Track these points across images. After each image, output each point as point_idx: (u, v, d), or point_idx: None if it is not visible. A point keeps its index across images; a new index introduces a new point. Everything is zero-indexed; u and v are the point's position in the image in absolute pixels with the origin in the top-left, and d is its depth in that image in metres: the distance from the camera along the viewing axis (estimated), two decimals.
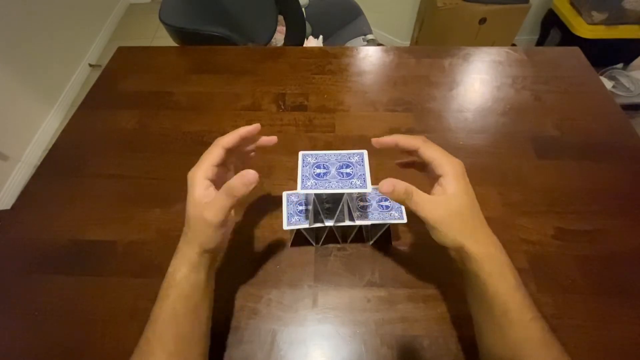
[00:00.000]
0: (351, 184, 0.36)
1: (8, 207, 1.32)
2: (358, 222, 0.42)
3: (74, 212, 0.54)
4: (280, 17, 1.09)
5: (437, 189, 0.34)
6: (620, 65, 1.74)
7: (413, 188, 0.33)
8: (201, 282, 0.34)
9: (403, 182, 0.33)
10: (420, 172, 0.40)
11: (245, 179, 0.32)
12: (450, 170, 0.33)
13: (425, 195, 0.33)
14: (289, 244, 0.49)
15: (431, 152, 0.34)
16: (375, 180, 0.35)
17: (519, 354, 0.30)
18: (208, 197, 0.33)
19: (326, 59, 0.77)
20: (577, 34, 1.63)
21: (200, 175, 0.34)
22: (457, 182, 0.33)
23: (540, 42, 1.98)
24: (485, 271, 0.31)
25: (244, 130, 0.38)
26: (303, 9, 1.13)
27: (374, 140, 0.37)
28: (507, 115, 0.65)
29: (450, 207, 0.33)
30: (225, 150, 0.36)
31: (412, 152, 0.36)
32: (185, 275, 0.33)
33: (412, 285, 0.45)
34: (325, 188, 0.35)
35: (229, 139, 0.36)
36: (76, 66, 2.01)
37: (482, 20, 1.65)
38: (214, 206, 0.32)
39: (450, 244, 0.33)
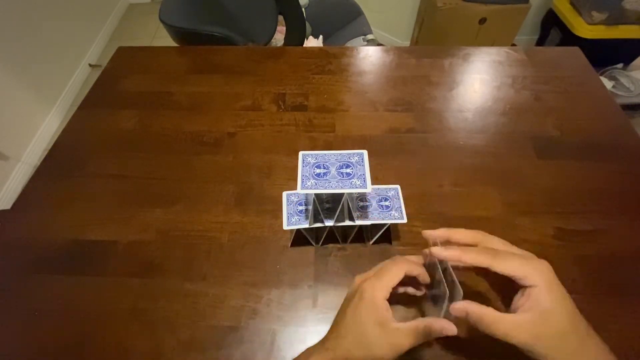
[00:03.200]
0: (351, 184, 0.36)
1: (8, 207, 1.32)
2: (358, 222, 0.42)
3: (74, 212, 0.54)
4: (280, 17, 1.09)
5: (525, 301, 0.28)
6: (620, 65, 1.74)
7: (493, 314, 0.28)
8: None
9: (480, 306, 0.29)
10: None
11: (448, 329, 0.30)
12: (540, 281, 0.28)
13: (510, 319, 0.28)
14: (289, 244, 0.49)
15: (508, 266, 0.29)
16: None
17: None
18: (393, 320, 0.30)
19: (326, 59, 0.77)
20: (577, 34, 1.63)
21: (383, 297, 0.31)
22: (552, 293, 0.28)
23: (540, 42, 1.97)
24: None
25: (422, 270, 0.34)
26: (303, 9, 1.13)
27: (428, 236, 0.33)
28: (507, 115, 0.65)
29: (550, 325, 0.27)
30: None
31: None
32: None
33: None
34: (325, 188, 0.35)
35: (413, 269, 0.33)
36: (76, 66, 2.01)
37: (482, 20, 1.65)
38: (409, 337, 0.30)
39: None
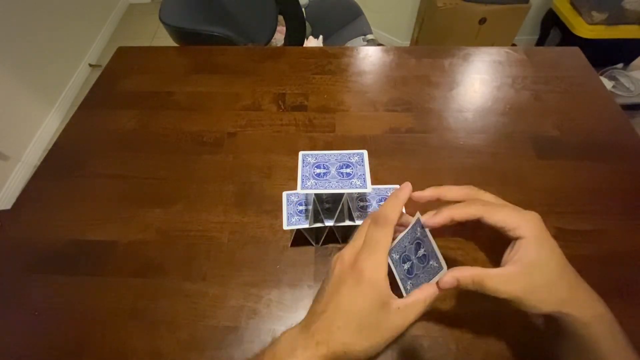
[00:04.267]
0: (351, 184, 0.35)
1: (8, 207, 1.32)
2: (358, 222, 0.42)
3: (74, 212, 0.54)
4: (280, 17, 1.09)
5: (514, 254, 0.28)
6: (620, 65, 1.74)
7: (481, 273, 0.27)
8: None
9: (467, 269, 0.27)
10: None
11: (446, 281, 0.27)
12: (528, 232, 0.28)
13: (499, 274, 0.27)
14: (289, 244, 0.49)
15: (500, 216, 0.28)
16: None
17: None
18: (394, 298, 0.28)
19: (326, 59, 0.77)
20: (577, 34, 1.63)
21: (384, 275, 0.28)
22: (540, 244, 0.28)
23: (540, 42, 1.98)
24: (594, 334, 0.27)
25: (404, 196, 0.31)
26: (303, 9, 1.13)
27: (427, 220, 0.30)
28: (507, 115, 0.65)
29: (538, 276, 0.27)
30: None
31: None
32: None
33: None
34: (325, 188, 0.35)
35: (397, 214, 0.30)
36: (76, 66, 2.01)
37: (482, 20, 1.65)
38: (411, 315, 0.27)
39: (547, 312, 0.28)
